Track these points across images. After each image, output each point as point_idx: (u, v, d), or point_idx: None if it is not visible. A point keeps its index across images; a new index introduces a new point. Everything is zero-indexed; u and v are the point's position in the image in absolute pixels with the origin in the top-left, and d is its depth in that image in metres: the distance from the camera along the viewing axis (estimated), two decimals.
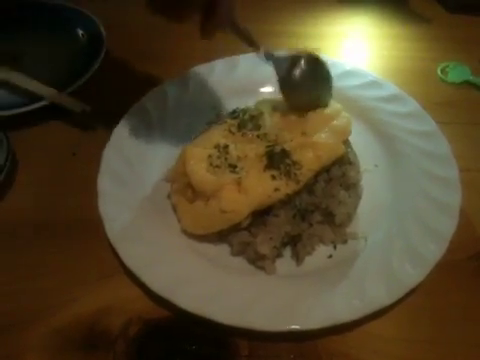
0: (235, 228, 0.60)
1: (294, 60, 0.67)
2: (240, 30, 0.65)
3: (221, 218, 0.59)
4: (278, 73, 0.67)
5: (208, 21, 0.61)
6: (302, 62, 0.67)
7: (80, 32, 0.90)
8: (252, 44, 0.67)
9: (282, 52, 0.68)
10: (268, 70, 0.81)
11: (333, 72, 0.79)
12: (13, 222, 0.66)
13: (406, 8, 1.02)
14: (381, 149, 0.70)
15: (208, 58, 0.84)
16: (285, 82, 0.67)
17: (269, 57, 0.68)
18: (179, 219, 0.63)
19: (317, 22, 0.99)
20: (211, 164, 0.61)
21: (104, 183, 0.64)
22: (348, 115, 0.68)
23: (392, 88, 0.77)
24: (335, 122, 0.66)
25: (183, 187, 0.63)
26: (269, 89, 0.79)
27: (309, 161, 0.60)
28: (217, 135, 0.65)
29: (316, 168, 0.61)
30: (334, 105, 0.69)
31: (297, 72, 0.67)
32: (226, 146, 0.62)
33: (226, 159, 0.61)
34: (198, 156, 0.62)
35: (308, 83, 0.67)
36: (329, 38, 0.95)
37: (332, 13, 1.01)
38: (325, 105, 0.67)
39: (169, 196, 0.66)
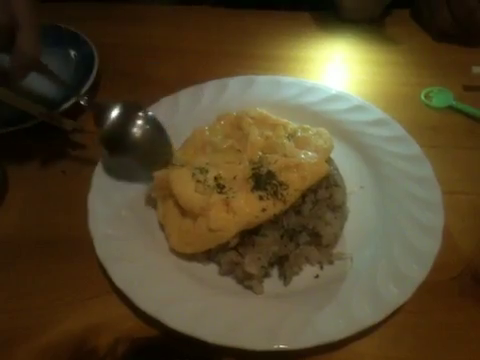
0: (223, 248, 0.60)
1: (122, 112, 0.64)
2: (51, 73, 0.62)
3: (209, 237, 0.60)
4: (99, 125, 0.63)
5: (12, 61, 0.58)
6: (130, 115, 0.64)
7: (72, 52, 0.91)
8: (71, 90, 0.63)
9: (107, 102, 0.65)
10: (258, 92, 0.83)
11: (319, 96, 0.82)
12: (2, 240, 0.66)
13: (391, 35, 1.04)
14: (367, 172, 0.72)
15: (198, 80, 0.85)
16: (107, 136, 0.63)
17: (91, 106, 0.63)
18: (167, 238, 0.64)
19: (303, 46, 1.01)
20: (198, 181, 0.62)
21: (94, 202, 0.65)
22: (326, 131, 0.70)
23: (377, 112, 0.79)
24: (315, 141, 0.67)
25: (171, 206, 0.64)
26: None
27: (295, 182, 0.62)
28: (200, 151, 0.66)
29: (302, 188, 0.62)
30: (312, 127, 0.70)
31: (125, 127, 0.64)
32: (207, 165, 0.64)
33: (215, 179, 0.62)
34: (183, 177, 0.63)
35: (135, 139, 0.64)
36: (315, 62, 0.97)
37: (317, 38, 1.03)
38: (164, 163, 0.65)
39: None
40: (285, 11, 1.09)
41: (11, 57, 0.57)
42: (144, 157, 0.64)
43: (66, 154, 0.76)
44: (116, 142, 0.62)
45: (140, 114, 0.65)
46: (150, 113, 0.66)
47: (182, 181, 0.63)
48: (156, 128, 0.66)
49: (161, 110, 0.78)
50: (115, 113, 0.63)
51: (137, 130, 0.64)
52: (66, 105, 0.79)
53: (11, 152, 0.76)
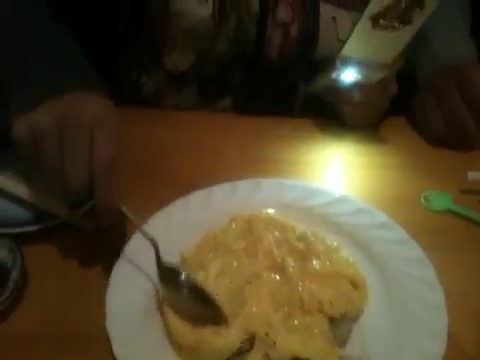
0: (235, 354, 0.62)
1: None
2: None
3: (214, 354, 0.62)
4: None
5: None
6: None
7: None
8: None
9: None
10: (265, 195, 0.88)
11: (324, 199, 0.86)
12: (22, 335, 0.68)
13: (389, 139, 1.10)
14: (372, 274, 0.74)
15: (209, 182, 0.90)
16: None
17: None
18: None
19: (306, 150, 1.07)
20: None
21: (112, 301, 0.67)
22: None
23: (380, 215, 0.83)
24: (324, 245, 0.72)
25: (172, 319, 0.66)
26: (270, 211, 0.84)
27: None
28: None
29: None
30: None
31: None
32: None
33: None
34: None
35: None
36: (318, 165, 1.03)
37: (320, 143, 1.09)
38: None
39: None
40: (291, 118, 1.18)
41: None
42: None
43: (86, 252, 0.79)
44: None
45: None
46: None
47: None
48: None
49: (174, 211, 0.83)
50: None
51: None
52: (88, 206, 0.82)
53: (31, 248, 0.78)
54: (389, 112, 1.13)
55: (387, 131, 1.13)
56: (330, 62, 1.01)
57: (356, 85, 0.99)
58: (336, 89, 1.02)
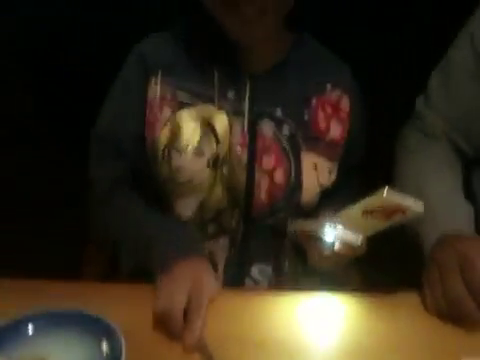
0: None
1: None
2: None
3: None
4: None
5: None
6: None
7: (104, 344, 0.99)
8: None
9: None
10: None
11: None
12: None
13: (396, 317, 1.12)
14: None
15: None
16: None
17: None
18: None
19: (313, 335, 1.07)
20: None
21: None
22: None
23: None
24: None
25: None
26: None
27: None
28: None
29: None
30: None
31: None
32: None
33: None
34: None
35: None
36: (321, 349, 1.04)
37: (326, 323, 1.11)
38: None
39: None
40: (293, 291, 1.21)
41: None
42: None
43: None
44: None
45: None
46: None
47: None
48: None
49: None
50: None
51: None
52: None
53: None
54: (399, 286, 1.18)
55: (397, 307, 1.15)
56: (315, 212, 1.11)
57: (330, 243, 1.06)
58: (311, 237, 1.09)
